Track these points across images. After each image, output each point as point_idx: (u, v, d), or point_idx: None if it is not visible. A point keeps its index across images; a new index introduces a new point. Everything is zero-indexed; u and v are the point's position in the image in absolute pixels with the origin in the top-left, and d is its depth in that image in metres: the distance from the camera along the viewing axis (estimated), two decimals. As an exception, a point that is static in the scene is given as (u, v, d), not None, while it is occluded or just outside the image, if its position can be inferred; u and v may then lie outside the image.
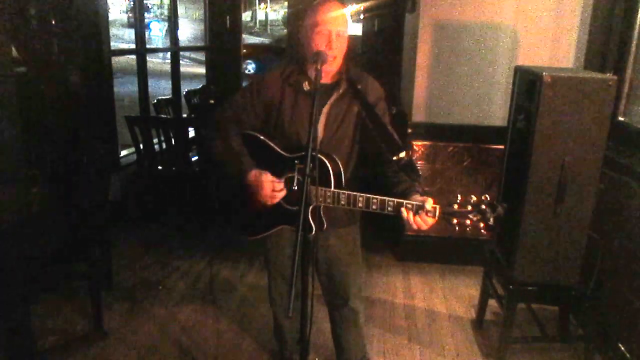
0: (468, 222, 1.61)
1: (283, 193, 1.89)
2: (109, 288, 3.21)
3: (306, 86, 1.92)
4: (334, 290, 2.21)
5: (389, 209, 1.70)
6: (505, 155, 2.78)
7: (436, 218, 1.66)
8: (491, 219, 1.60)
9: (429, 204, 1.65)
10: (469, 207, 1.62)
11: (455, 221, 1.63)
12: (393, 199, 1.70)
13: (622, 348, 2.46)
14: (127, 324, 2.92)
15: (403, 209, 1.68)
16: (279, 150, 1.95)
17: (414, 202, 1.68)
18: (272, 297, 2.30)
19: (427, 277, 3.57)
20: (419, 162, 3.54)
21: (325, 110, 1.93)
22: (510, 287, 2.55)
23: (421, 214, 1.66)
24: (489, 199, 1.62)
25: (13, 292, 2.29)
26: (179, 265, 3.63)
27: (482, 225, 1.61)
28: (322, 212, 1.89)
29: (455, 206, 1.63)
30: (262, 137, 1.99)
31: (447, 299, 3.30)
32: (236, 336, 2.85)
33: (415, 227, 1.68)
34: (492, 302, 2.95)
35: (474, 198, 1.62)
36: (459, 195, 1.64)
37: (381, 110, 1.98)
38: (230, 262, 3.68)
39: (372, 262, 3.74)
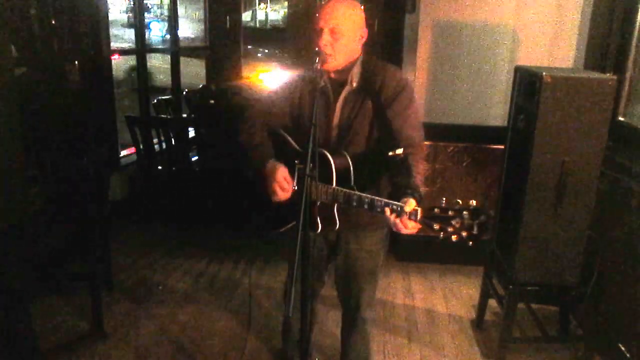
0: (450, 228, 1.51)
1: (289, 191, 1.89)
2: (109, 288, 3.21)
3: (321, 83, 1.90)
4: (348, 295, 2.20)
5: (378, 209, 1.65)
6: (505, 155, 2.78)
7: (418, 222, 1.57)
8: (474, 227, 1.50)
9: (409, 206, 1.55)
10: (450, 213, 1.52)
11: (436, 226, 1.53)
12: (381, 199, 1.65)
13: (622, 348, 2.46)
14: (127, 324, 2.92)
15: (387, 210, 1.61)
16: (295, 145, 1.98)
17: (397, 204, 1.60)
18: (287, 293, 2.29)
19: (427, 277, 3.57)
20: (419, 162, 3.54)
21: (338, 105, 1.93)
22: (510, 287, 2.55)
23: (403, 217, 1.57)
24: (474, 204, 1.51)
25: (13, 292, 2.29)
26: (179, 265, 3.63)
27: (464, 233, 1.51)
28: (335, 211, 1.86)
29: (436, 210, 1.54)
30: (282, 133, 2.03)
31: (447, 299, 3.30)
32: (236, 336, 2.85)
33: (395, 229, 1.61)
34: (492, 302, 2.95)
35: (459, 203, 1.53)
36: (444, 200, 1.55)
37: (402, 102, 1.89)
38: (230, 262, 3.68)
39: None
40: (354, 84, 1.92)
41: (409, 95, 1.92)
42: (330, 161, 1.81)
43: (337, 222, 1.89)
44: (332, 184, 1.80)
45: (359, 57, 1.94)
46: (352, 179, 1.84)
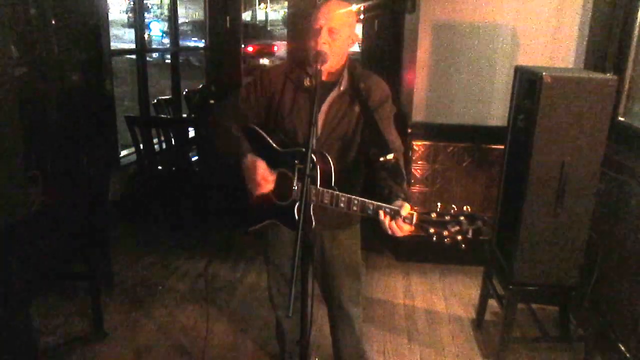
0: (446, 233, 1.55)
1: (272, 185, 1.89)
2: (109, 288, 3.21)
3: (306, 82, 1.91)
4: (329, 293, 2.20)
5: (369, 212, 1.66)
6: (505, 155, 2.78)
7: (413, 225, 1.60)
8: (470, 232, 1.53)
9: (405, 210, 1.59)
10: (447, 218, 1.55)
11: (432, 230, 1.57)
12: (373, 201, 1.66)
13: (622, 348, 2.46)
14: (127, 324, 2.92)
15: (381, 212, 1.63)
16: (274, 144, 1.97)
17: (392, 207, 1.62)
18: (272, 297, 2.30)
19: (427, 277, 3.57)
20: (419, 162, 3.55)
21: (324, 108, 1.93)
22: (510, 287, 2.55)
23: (397, 220, 1.60)
24: (469, 210, 1.55)
25: (13, 292, 2.29)
26: (179, 265, 3.64)
27: (460, 238, 1.54)
28: (311, 211, 1.86)
29: (433, 215, 1.57)
30: (259, 130, 2.01)
31: (447, 299, 3.30)
32: (236, 336, 2.85)
33: (389, 232, 1.63)
34: (492, 302, 2.95)
35: (454, 208, 1.56)
36: (439, 204, 1.59)
37: (386, 110, 1.95)
38: (230, 262, 3.68)
39: (372, 262, 3.74)
40: (342, 88, 1.93)
41: (392, 105, 1.99)
42: (314, 162, 1.81)
43: (313, 221, 1.90)
44: (316, 185, 1.80)
45: (346, 62, 1.95)
46: (334, 180, 1.84)
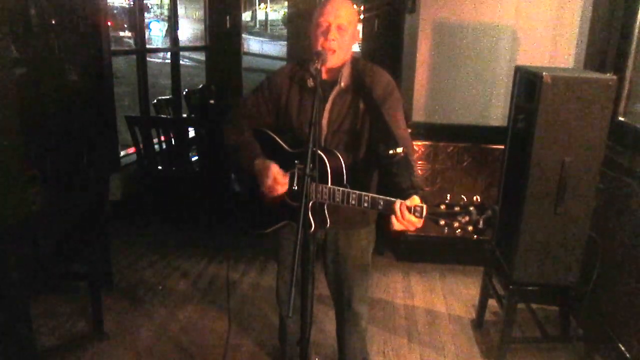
0: (456, 224, 1.54)
1: (286, 186, 1.89)
2: (109, 288, 3.21)
3: (310, 83, 1.92)
4: (339, 291, 2.21)
5: (379, 207, 1.66)
6: (505, 155, 2.78)
7: (422, 218, 1.59)
8: (480, 222, 1.53)
9: (414, 203, 1.58)
10: (457, 209, 1.55)
11: (442, 222, 1.56)
12: (383, 197, 1.66)
13: (622, 348, 2.46)
14: (127, 324, 2.92)
15: (392, 207, 1.62)
16: (284, 145, 1.98)
17: (402, 201, 1.61)
18: (280, 297, 2.30)
19: (427, 277, 3.57)
20: (419, 162, 3.54)
21: (327, 106, 1.93)
22: (510, 287, 2.55)
23: (407, 214, 1.59)
24: (478, 200, 1.54)
25: (13, 292, 2.29)
26: (179, 265, 3.63)
27: (470, 228, 1.53)
28: (326, 210, 1.88)
29: (442, 207, 1.56)
30: (269, 133, 2.03)
31: (447, 299, 3.30)
32: (236, 336, 2.85)
33: (400, 226, 1.62)
34: (492, 302, 2.95)
35: (464, 199, 1.55)
36: (448, 196, 1.58)
37: (392, 103, 1.93)
38: (230, 262, 3.67)
39: (372, 261, 3.72)
40: (343, 84, 1.93)
41: (398, 97, 1.97)
42: (324, 160, 1.82)
43: (328, 220, 1.90)
44: (328, 183, 1.80)
45: (349, 58, 1.96)
46: (345, 178, 1.85)
